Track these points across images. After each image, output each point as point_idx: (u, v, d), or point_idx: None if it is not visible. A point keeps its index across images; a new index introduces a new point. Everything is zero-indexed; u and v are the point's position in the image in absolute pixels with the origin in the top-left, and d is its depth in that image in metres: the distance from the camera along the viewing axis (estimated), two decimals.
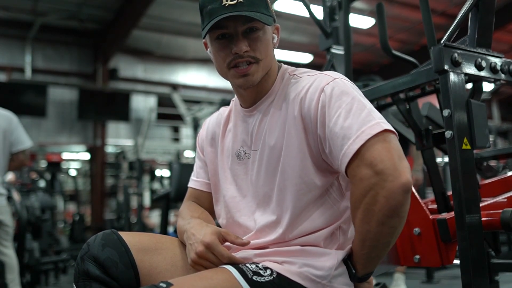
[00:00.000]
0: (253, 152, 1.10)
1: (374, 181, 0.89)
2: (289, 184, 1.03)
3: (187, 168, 3.69)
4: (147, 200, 9.88)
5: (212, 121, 1.27)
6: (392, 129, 0.94)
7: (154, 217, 9.15)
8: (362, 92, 1.03)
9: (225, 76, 1.09)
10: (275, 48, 1.12)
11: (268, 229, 1.06)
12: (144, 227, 6.97)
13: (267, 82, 1.10)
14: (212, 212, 1.24)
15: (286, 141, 1.03)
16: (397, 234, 0.93)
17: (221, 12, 1.01)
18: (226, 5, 1.01)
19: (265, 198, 1.07)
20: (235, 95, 1.19)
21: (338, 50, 2.15)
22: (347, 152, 0.92)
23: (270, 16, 1.06)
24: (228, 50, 1.04)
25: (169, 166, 6.69)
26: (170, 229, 6.90)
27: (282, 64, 1.17)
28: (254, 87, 1.09)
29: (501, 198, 1.41)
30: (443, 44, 1.28)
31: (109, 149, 10.77)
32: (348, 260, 1.01)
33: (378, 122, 0.93)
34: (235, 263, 0.99)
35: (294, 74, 1.11)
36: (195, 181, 1.27)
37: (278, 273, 0.96)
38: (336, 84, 1.00)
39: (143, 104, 11.03)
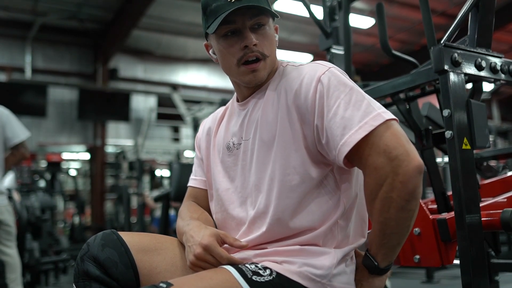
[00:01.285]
0: (244, 142, 1.10)
1: (389, 168, 0.91)
2: (280, 174, 1.02)
3: (187, 168, 3.69)
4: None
5: (208, 120, 1.29)
6: (393, 116, 0.96)
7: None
8: None
9: (233, 74, 1.10)
10: (276, 46, 1.13)
11: (259, 220, 1.05)
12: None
13: (267, 77, 1.11)
14: (210, 210, 1.24)
15: (279, 131, 1.03)
16: (415, 216, 0.95)
17: (228, 7, 1.01)
18: (232, 0, 1.01)
19: (256, 188, 1.06)
20: (234, 94, 1.20)
21: (338, 50, 2.16)
22: (348, 142, 0.93)
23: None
24: (237, 46, 1.05)
25: (169, 166, 6.69)
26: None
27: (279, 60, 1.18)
28: None
29: (501, 198, 1.41)
30: (443, 44, 1.28)
31: (109, 149, 10.77)
32: (367, 253, 1.01)
33: (379, 112, 0.95)
34: (234, 265, 0.99)
35: (287, 65, 1.12)
36: (193, 180, 1.28)
37: (277, 273, 0.96)
38: (332, 74, 1.01)
39: (143, 104, 11.03)
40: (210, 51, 1.15)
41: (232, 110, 1.19)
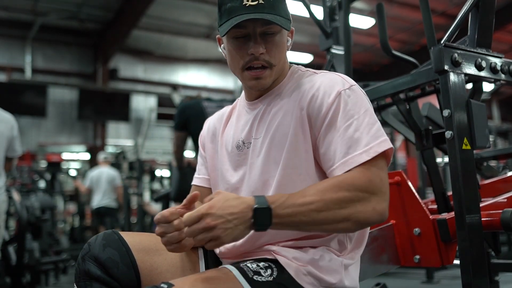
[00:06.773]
0: (254, 140, 1.11)
1: (364, 196, 0.91)
2: (289, 173, 1.03)
3: (187, 168, 3.69)
4: (147, 200, 9.87)
5: (213, 118, 1.29)
6: (392, 146, 0.97)
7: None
8: None
9: (237, 74, 1.10)
10: (288, 50, 1.14)
11: None
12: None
13: (276, 80, 1.12)
14: None
15: (292, 132, 1.04)
16: (335, 229, 0.92)
17: (241, 11, 1.01)
18: (247, 5, 1.01)
19: (265, 186, 1.07)
20: (242, 94, 1.20)
21: (338, 50, 2.15)
22: (349, 162, 0.94)
23: (289, 20, 1.08)
24: (244, 50, 1.05)
25: (169, 166, 6.68)
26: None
27: (293, 64, 1.18)
28: None
29: (501, 198, 1.41)
30: (443, 44, 1.28)
31: (109, 149, 10.76)
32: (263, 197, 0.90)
33: (385, 139, 0.96)
34: (235, 264, 0.99)
35: (307, 70, 1.13)
36: (196, 178, 1.29)
37: (278, 272, 0.97)
38: (353, 92, 1.02)
39: (143, 104, 11.02)
40: (222, 46, 1.15)
41: (240, 109, 1.19)
